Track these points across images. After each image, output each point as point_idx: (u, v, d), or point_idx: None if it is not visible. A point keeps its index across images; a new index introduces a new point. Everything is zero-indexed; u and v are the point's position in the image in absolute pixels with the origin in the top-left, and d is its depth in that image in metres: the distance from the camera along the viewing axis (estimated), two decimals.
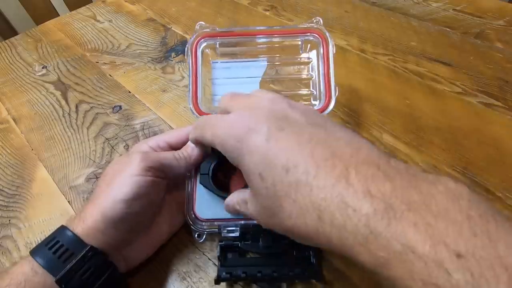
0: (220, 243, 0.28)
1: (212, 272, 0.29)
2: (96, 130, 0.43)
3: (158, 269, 0.29)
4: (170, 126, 0.43)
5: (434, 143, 0.38)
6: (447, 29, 0.55)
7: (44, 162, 0.40)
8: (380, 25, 0.57)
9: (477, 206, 0.15)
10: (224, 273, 0.26)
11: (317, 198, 0.17)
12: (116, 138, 0.42)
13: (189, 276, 0.29)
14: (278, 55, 0.35)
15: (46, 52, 0.57)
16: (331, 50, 0.32)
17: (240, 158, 0.22)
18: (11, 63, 0.55)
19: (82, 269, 0.23)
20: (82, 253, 0.24)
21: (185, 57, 0.32)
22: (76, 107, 0.46)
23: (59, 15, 0.76)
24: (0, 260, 0.31)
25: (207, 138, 0.25)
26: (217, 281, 0.26)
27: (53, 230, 0.25)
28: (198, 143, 0.28)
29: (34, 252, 0.24)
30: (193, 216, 0.29)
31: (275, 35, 0.33)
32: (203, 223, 0.29)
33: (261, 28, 0.33)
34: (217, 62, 0.35)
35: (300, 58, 0.35)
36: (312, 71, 0.35)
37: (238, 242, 0.28)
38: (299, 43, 0.34)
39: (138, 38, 0.59)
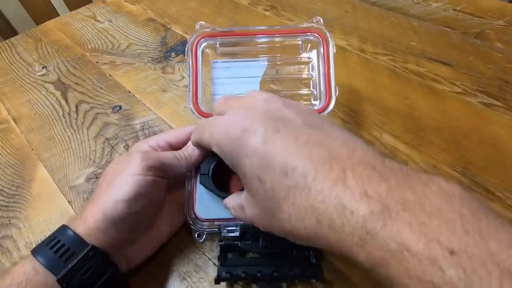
0: (220, 243, 0.28)
1: (212, 272, 0.29)
2: (96, 130, 0.43)
3: (158, 269, 0.29)
4: (170, 126, 0.43)
5: (434, 143, 0.38)
6: (447, 29, 0.55)
7: (44, 162, 0.40)
8: (380, 25, 0.57)
9: (469, 204, 0.16)
10: (224, 273, 0.26)
11: (315, 201, 0.18)
12: (116, 138, 0.42)
13: (189, 276, 0.29)
14: (278, 55, 0.35)
15: (46, 52, 0.57)
16: (332, 49, 0.32)
17: (237, 160, 0.22)
18: (11, 63, 0.55)
19: (83, 269, 0.23)
20: (84, 253, 0.24)
21: (185, 57, 0.32)
22: (76, 107, 0.46)
23: (59, 15, 0.76)
24: (0, 260, 0.31)
25: (205, 139, 0.25)
26: (217, 281, 0.27)
27: (53, 230, 0.25)
28: (199, 146, 0.28)
29: (35, 252, 0.24)
30: (193, 216, 0.29)
31: (276, 35, 0.33)
32: (203, 223, 0.29)
33: (261, 28, 0.33)
34: (217, 62, 0.35)
35: (301, 58, 0.35)
36: (312, 71, 0.35)
37: (238, 242, 0.28)
38: (300, 43, 0.34)
39: (138, 38, 0.59)
